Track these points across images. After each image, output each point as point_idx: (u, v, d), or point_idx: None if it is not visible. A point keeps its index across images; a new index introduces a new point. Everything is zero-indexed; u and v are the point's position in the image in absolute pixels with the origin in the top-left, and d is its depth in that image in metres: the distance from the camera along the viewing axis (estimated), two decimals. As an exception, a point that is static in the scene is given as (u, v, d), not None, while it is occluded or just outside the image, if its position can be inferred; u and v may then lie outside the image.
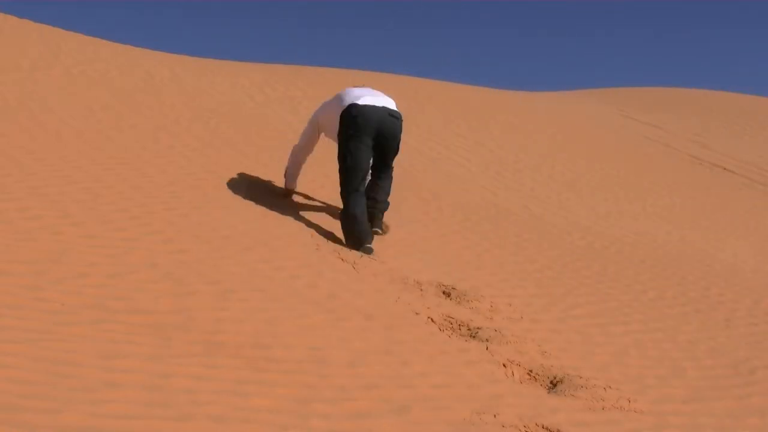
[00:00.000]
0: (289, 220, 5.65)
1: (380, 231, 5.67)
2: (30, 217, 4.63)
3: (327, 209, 6.17)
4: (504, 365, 4.09)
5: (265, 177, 6.59)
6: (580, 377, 4.11)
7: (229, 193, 5.94)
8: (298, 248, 5.13)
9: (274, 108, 9.42)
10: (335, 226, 5.72)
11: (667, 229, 8.50)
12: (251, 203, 5.83)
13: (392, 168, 5.83)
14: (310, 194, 6.46)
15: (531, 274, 5.91)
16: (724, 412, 4.10)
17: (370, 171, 5.67)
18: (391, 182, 5.80)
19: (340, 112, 5.61)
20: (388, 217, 5.94)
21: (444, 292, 5.00)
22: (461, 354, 4.12)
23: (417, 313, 4.52)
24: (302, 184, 6.61)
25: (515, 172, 9.49)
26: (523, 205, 8.07)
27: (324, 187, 6.69)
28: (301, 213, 5.92)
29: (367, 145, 5.53)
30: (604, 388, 4.03)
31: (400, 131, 5.67)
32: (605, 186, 9.92)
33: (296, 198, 6.27)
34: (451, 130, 10.82)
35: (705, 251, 7.81)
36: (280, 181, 6.42)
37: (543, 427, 3.49)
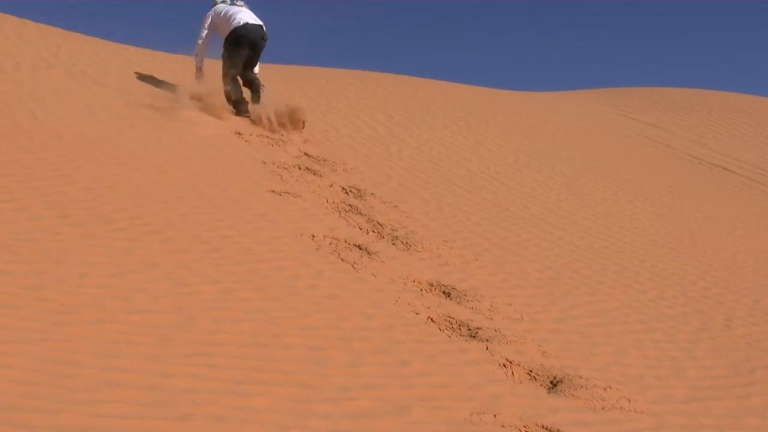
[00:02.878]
0: (289, 221, 5.66)
1: (258, 100, 8.28)
2: (30, 217, 4.63)
3: (328, 210, 6.17)
4: (504, 365, 4.09)
5: (265, 177, 6.59)
6: (580, 377, 4.11)
7: (229, 193, 5.94)
8: (298, 248, 5.13)
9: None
10: (335, 226, 5.73)
11: (667, 229, 8.50)
12: (251, 203, 5.83)
13: (257, 64, 8.42)
14: (311, 195, 6.46)
15: (531, 274, 5.91)
16: (724, 412, 4.10)
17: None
18: (256, 74, 8.45)
19: (232, 28, 8.06)
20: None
21: (444, 292, 5.00)
22: (461, 354, 4.12)
23: (417, 313, 4.52)
24: (303, 185, 6.62)
25: (515, 172, 9.49)
26: (523, 205, 8.06)
27: (323, 188, 6.69)
28: (302, 214, 5.92)
29: (245, 51, 8.11)
30: (604, 388, 4.04)
31: (264, 46, 8.29)
32: (605, 186, 9.92)
33: (297, 199, 6.27)
34: (451, 130, 10.82)
35: (705, 251, 7.81)
36: (279, 181, 6.43)
37: (543, 427, 3.49)
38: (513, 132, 11.73)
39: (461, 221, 6.95)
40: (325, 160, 7.58)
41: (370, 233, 5.83)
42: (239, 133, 7.77)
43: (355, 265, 5.08)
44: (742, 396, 4.39)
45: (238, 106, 8.23)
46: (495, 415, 3.49)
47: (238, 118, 8.21)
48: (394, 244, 5.76)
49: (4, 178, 5.15)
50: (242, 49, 8.02)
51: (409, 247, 5.77)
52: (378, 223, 6.11)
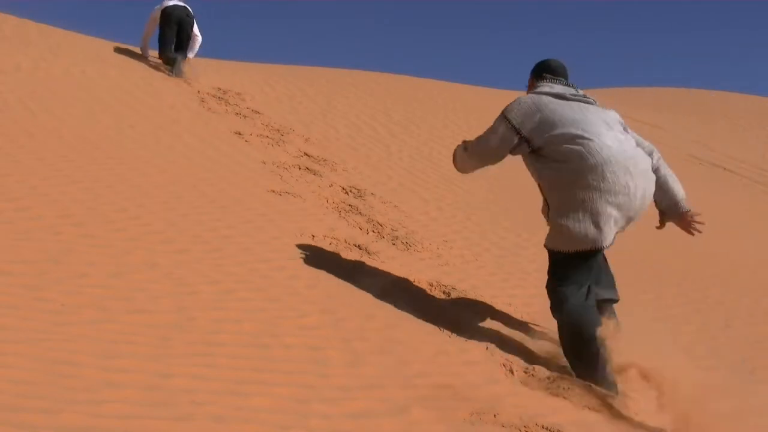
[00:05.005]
0: (289, 221, 5.66)
1: (186, 65, 9.75)
2: (30, 217, 4.63)
3: (327, 210, 6.17)
4: (504, 365, 4.09)
5: (265, 176, 6.59)
6: (580, 377, 4.10)
7: (229, 193, 5.94)
8: (298, 248, 5.13)
9: (274, 107, 9.42)
10: (335, 226, 5.73)
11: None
12: (251, 203, 5.83)
13: (190, 39, 10.05)
14: (311, 195, 6.46)
15: (531, 274, 5.91)
16: (724, 412, 4.10)
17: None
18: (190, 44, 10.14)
19: (161, 9, 9.89)
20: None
21: (444, 292, 5.00)
22: (461, 354, 4.12)
23: (417, 313, 4.52)
24: (303, 185, 6.62)
25: (515, 172, 9.48)
26: (524, 205, 8.06)
27: (323, 188, 6.69)
28: (302, 214, 5.92)
29: (173, 29, 9.92)
30: (605, 388, 4.03)
31: (192, 25, 10.02)
32: (605, 186, 9.90)
33: (297, 199, 6.27)
34: (451, 130, 10.82)
35: (705, 251, 7.81)
36: (279, 181, 6.43)
37: (543, 427, 3.49)
38: (513, 132, 11.71)
39: (461, 221, 6.95)
40: (325, 160, 7.59)
41: (370, 233, 5.83)
42: (239, 133, 7.77)
43: (355, 265, 5.08)
44: (742, 396, 4.39)
45: (175, 67, 9.76)
46: (495, 415, 3.49)
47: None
48: (394, 244, 5.76)
49: (4, 178, 5.15)
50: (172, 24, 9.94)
51: (409, 247, 5.77)
52: (378, 223, 6.11)
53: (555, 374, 4.11)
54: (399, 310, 4.50)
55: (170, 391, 3.11)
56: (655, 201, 4.42)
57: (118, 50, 10.43)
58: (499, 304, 5.02)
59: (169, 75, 9.58)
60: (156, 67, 9.86)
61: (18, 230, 4.41)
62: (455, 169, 4.75)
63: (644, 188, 4.15)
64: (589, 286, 4.11)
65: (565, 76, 4.47)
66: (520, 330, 4.69)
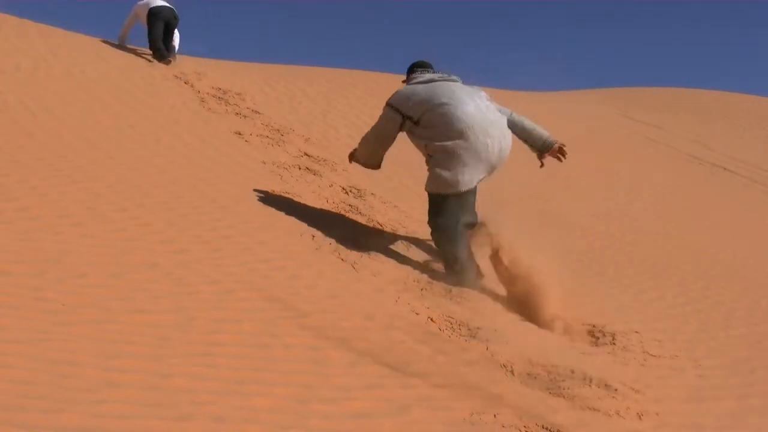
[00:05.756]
0: (289, 221, 5.65)
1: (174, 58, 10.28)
2: (30, 217, 4.63)
3: (327, 210, 6.17)
4: (504, 365, 4.09)
5: (265, 176, 6.59)
6: (581, 377, 4.11)
7: (229, 193, 5.94)
8: (298, 248, 5.13)
9: (274, 107, 9.42)
10: (336, 227, 5.74)
11: (667, 229, 8.50)
12: (251, 203, 5.83)
13: (171, 39, 10.55)
14: (311, 195, 6.46)
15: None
16: (724, 412, 4.11)
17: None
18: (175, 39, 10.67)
19: (148, 10, 10.35)
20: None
21: (444, 292, 5.00)
22: (461, 354, 4.12)
23: (417, 313, 4.52)
24: (303, 185, 6.62)
25: (515, 172, 9.48)
26: (523, 205, 8.06)
27: (323, 188, 6.69)
28: (302, 214, 5.92)
29: (161, 27, 10.29)
30: (605, 388, 4.03)
31: (177, 22, 10.56)
32: (605, 186, 9.92)
33: (297, 199, 6.27)
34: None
35: (705, 251, 7.81)
36: (279, 181, 6.43)
37: (543, 427, 3.49)
38: (513, 132, 11.70)
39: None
40: (325, 160, 7.59)
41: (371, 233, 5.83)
42: (239, 133, 7.77)
43: (355, 266, 5.08)
44: (742, 396, 4.39)
45: (159, 54, 10.28)
46: (495, 415, 3.49)
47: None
48: (394, 244, 5.75)
49: (4, 178, 5.15)
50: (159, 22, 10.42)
51: (409, 247, 5.77)
52: (378, 223, 6.11)
53: (555, 374, 4.11)
54: (399, 310, 4.50)
55: (170, 391, 3.11)
56: (530, 147, 5.80)
57: (118, 50, 10.44)
58: (499, 304, 5.01)
59: (160, 62, 10.21)
60: (156, 67, 9.85)
61: (18, 230, 4.42)
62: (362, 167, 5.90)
63: (500, 146, 5.34)
64: (458, 218, 5.28)
65: (431, 68, 5.70)
66: (520, 330, 4.69)
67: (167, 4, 10.68)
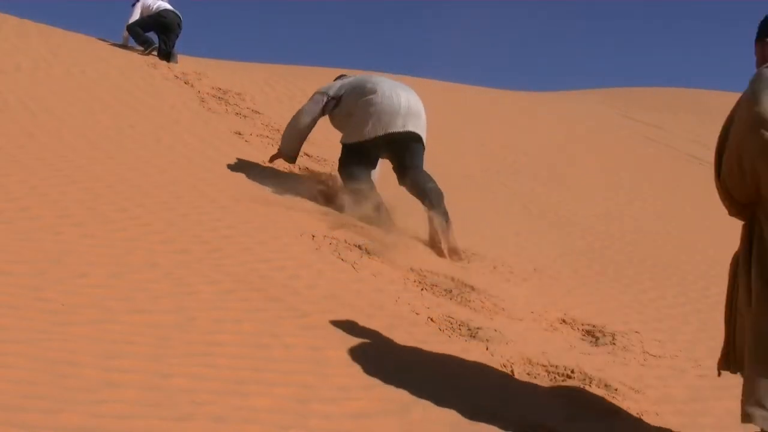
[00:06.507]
0: (289, 221, 5.66)
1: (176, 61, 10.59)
2: (30, 217, 4.63)
3: (327, 210, 6.17)
4: (504, 365, 4.09)
5: (265, 176, 6.59)
6: (580, 377, 4.11)
7: (229, 193, 5.94)
8: (298, 248, 5.13)
9: (274, 107, 9.42)
10: (336, 227, 5.73)
11: (667, 229, 8.50)
12: (251, 203, 5.83)
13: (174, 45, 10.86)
14: (311, 196, 6.45)
15: (531, 274, 5.91)
16: (724, 412, 4.10)
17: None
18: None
19: (156, 12, 10.73)
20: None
21: (445, 292, 5.00)
22: (461, 354, 4.12)
23: (417, 313, 4.52)
24: (303, 185, 6.61)
25: (515, 172, 9.50)
26: (523, 205, 8.07)
27: (324, 188, 6.68)
28: (302, 214, 5.92)
29: (159, 30, 10.73)
30: (605, 388, 4.03)
31: (181, 27, 10.91)
32: (605, 186, 9.92)
33: (297, 198, 6.27)
34: (451, 130, 10.82)
35: (705, 251, 7.81)
36: (279, 181, 6.44)
37: (543, 427, 3.49)
38: (513, 132, 11.73)
39: (461, 221, 6.95)
40: (325, 160, 7.59)
41: (371, 233, 5.83)
42: (239, 133, 7.77)
43: (355, 266, 5.08)
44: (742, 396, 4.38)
45: (146, 46, 10.77)
46: (495, 415, 3.49)
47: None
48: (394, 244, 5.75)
49: (4, 178, 5.15)
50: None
51: (409, 247, 5.77)
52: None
53: (555, 374, 4.11)
54: (399, 311, 4.50)
55: (170, 391, 3.11)
56: None
57: (118, 50, 10.44)
58: (500, 304, 5.02)
59: (145, 52, 10.71)
60: (156, 67, 9.86)
61: (18, 230, 4.42)
62: (286, 157, 6.65)
63: (408, 102, 6.15)
64: (364, 165, 6.22)
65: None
66: (520, 330, 4.69)
67: (173, 9, 11.04)
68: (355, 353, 3.84)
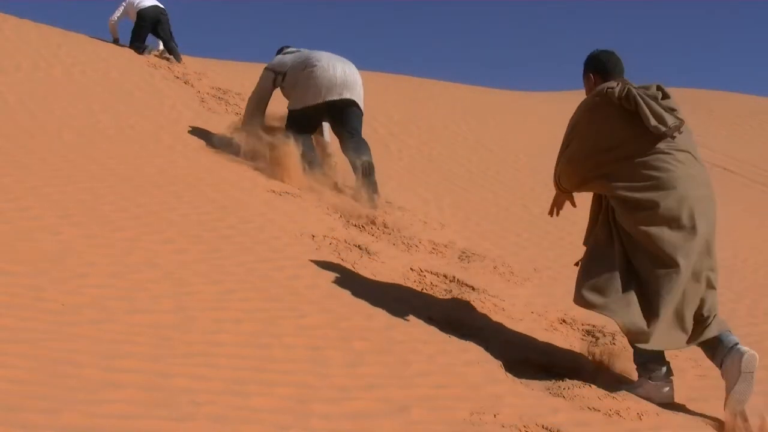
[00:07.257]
0: (289, 221, 5.66)
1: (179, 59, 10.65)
2: (30, 217, 4.63)
3: (328, 210, 6.17)
4: (504, 365, 4.08)
5: (265, 176, 6.59)
6: (581, 377, 4.11)
7: (229, 192, 5.94)
8: (298, 248, 5.13)
9: (274, 107, 9.41)
10: (335, 226, 5.74)
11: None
12: (251, 203, 5.83)
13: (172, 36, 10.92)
14: (312, 196, 6.46)
15: (531, 274, 5.92)
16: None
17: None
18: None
19: (136, 12, 10.73)
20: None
21: (445, 292, 5.00)
22: (461, 354, 4.12)
23: (417, 313, 4.52)
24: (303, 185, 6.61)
25: (515, 172, 9.49)
26: (523, 205, 8.07)
27: (323, 188, 6.69)
28: (302, 214, 5.92)
29: (148, 27, 10.76)
30: (605, 388, 4.03)
31: (167, 18, 10.89)
32: (605, 186, 9.88)
33: (297, 198, 6.27)
34: (451, 130, 10.82)
35: (705, 251, 7.79)
36: (279, 181, 6.44)
37: (543, 427, 3.48)
38: (513, 132, 11.74)
39: (461, 221, 6.95)
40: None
41: (371, 233, 5.83)
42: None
43: (355, 266, 5.08)
44: (742, 396, 4.37)
45: (138, 50, 10.70)
46: (495, 415, 3.49)
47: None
48: (394, 244, 5.76)
49: (4, 178, 5.15)
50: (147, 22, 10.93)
51: (409, 247, 5.77)
52: (378, 223, 6.11)
53: (555, 374, 4.11)
54: (399, 310, 4.50)
55: (170, 391, 3.11)
56: None
57: (118, 50, 10.44)
58: (500, 304, 5.02)
59: (141, 53, 10.68)
60: (156, 67, 9.86)
61: (18, 230, 4.42)
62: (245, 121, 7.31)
63: (344, 72, 6.96)
64: (306, 129, 6.97)
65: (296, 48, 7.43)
66: (520, 330, 4.69)
67: (153, 4, 10.97)
68: (355, 353, 3.84)
